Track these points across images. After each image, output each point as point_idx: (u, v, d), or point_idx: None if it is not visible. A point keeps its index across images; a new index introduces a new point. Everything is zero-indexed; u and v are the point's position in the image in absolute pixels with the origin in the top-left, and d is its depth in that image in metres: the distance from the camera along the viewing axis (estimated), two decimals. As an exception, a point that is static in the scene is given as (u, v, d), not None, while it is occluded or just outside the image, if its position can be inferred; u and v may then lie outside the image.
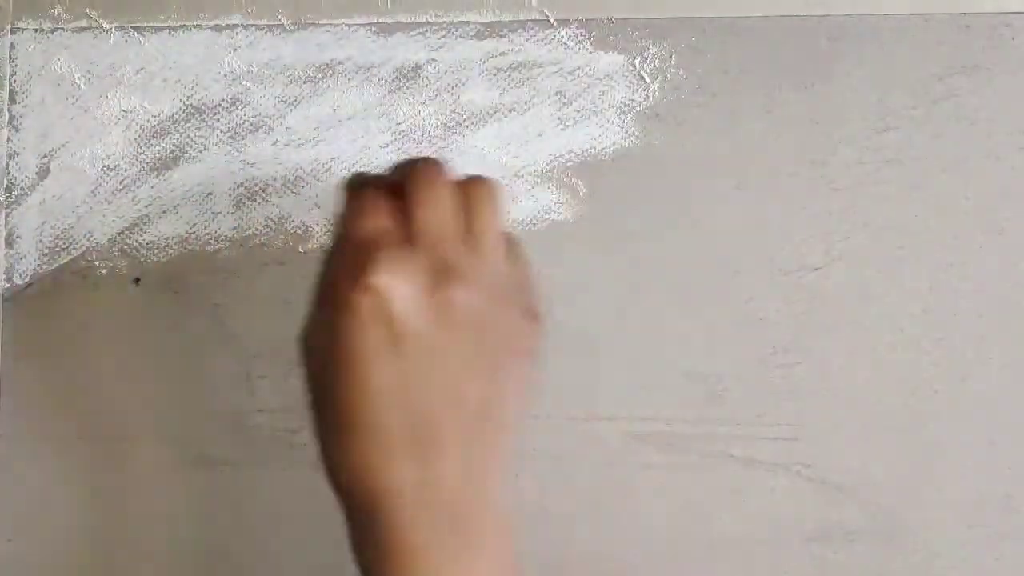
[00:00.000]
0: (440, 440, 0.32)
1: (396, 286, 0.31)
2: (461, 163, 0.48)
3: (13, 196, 0.49)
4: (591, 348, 0.47)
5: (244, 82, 0.49)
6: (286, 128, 0.48)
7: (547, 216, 0.47)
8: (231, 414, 0.48)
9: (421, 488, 0.32)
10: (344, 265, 0.33)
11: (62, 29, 0.49)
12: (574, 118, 0.47)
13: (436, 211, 0.33)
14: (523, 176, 0.47)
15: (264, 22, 0.49)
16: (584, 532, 0.46)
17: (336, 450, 0.33)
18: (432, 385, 0.32)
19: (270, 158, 0.48)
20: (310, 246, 0.48)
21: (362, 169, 0.36)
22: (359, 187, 0.35)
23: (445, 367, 0.32)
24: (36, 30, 0.49)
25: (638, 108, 0.47)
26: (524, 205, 0.47)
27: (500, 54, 0.48)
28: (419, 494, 0.32)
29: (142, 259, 0.48)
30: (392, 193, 0.34)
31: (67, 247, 0.49)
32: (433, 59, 0.48)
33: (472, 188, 0.35)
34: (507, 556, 0.34)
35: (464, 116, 0.48)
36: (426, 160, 0.35)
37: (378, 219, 0.33)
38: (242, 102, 0.49)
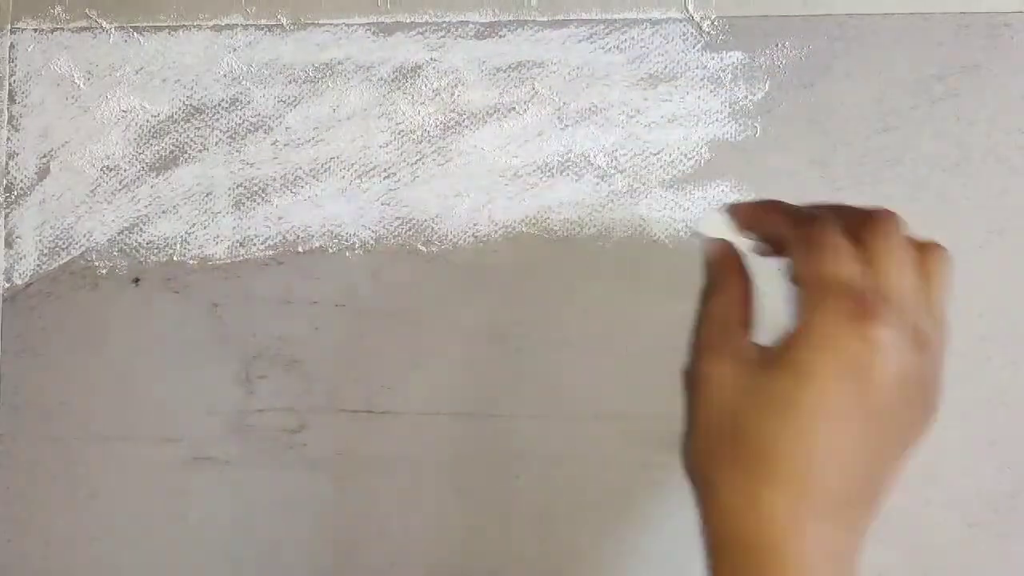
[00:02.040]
0: (863, 513, 0.31)
1: (893, 345, 0.30)
2: (461, 163, 0.48)
3: (13, 196, 0.49)
4: (591, 348, 0.47)
5: (244, 82, 0.49)
6: (286, 128, 0.48)
7: (551, 213, 0.47)
8: (231, 414, 0.48)
9: (837, 555, 0.30)
10: (831, 307, 0.30)
11: (62, 29, 0.49)
12: (574, 118, 0.47)
13: (909, 274, 0.32)
14: (522, 175, 0.47)
15: (264, 22, 0.49)
16: (584, 532, 0.46)
17: (743, 496, 0.31)
18: (878, 457, 0.31)
19: (270, 158, 0.48)
20: (310, 246, 0.48)
21: (770, 198, 0.34)
22: (804, 218, 0.33)
23: (895, 441, 0.31)
24: (36, 30, 0.49)
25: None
26: (529, 201, 0.47)
27: (500, 54, 0.48)
28: (834, 561, 0.30)
29: (142, 259, 0.48)
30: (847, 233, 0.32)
31: (67, 247, 0.49)
32: (433, 59, 0.48)
33: (931, 255, 0.33)
34: None
35: (464, 116, 0.48)
36: (892, 214, 0.33)
37: (853, 264, 0.31)
38: (242, 102, 0.49)
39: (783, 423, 0.30)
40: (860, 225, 0.32)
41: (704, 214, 0.37)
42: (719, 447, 0.32)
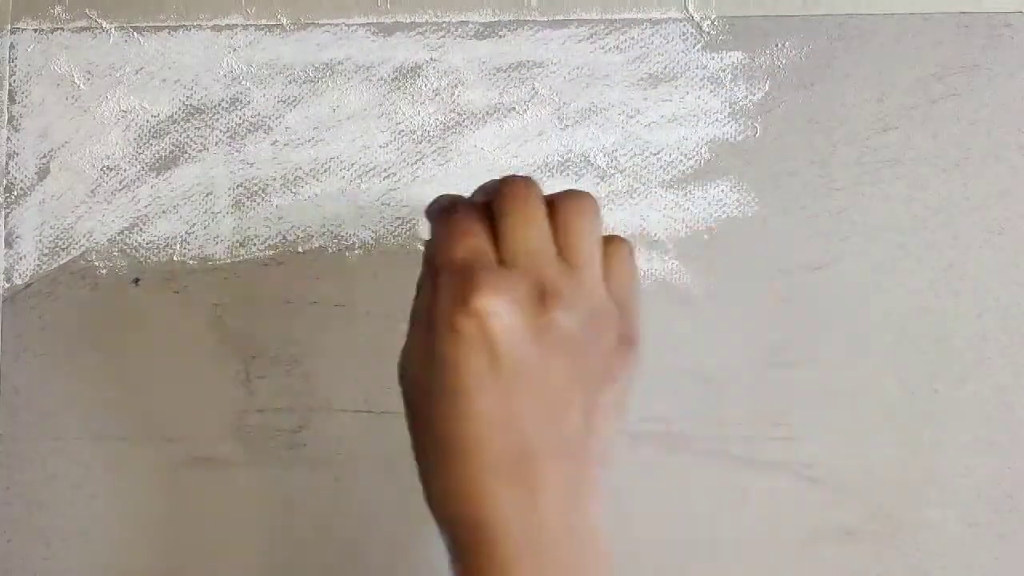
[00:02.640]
0: (542, 467, 0.32)
1: (499, 310, 0.31)
2: (461, 163, 0.48)
3: (13, 196, 0.49)
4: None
5: (243, 82, 0.49)
6: (285, 128, 0.48)
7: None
8: (231, 414, 0.48)
9: (524, 516, 0.31)
10: (443, 289, 0.32)
11: (62, 29, 0.49)
12: (574, 118, 0.47)
13: (530, 230, 0.32)
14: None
15: (264, 22, 0.49)
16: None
17: (438, 478, 0.33)
18: (533, 411, 0.31)
19: (270, 158, 0.48)
20: (310, 246, 0.48)
21: (447, 192, 0.35)
22: (447, 210, 0.34)
23: (545, 392, 0.32)
24: (36, 30, 0.49)
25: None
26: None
27: (500, 54, 0.48)
28: (522, 522, 0.31)
29: (142, 259, 0.48)
30: (483, 215, 0.33)
31: (67, 247, 0.49)
32: (433, 59, 0.48)
33: (566, 204, 0.33)
34: None
35: (464, 116, 0.48)
36: (516, 178, 0.34)
37: (473, 241, 0.32)
38: (241, 102, 0.49)
39: (442, 407, 0.32)
40: (491, 196, 0.33)
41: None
42: (419, 440, 0.33)
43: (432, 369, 0.32)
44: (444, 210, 0.34)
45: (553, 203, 0.33)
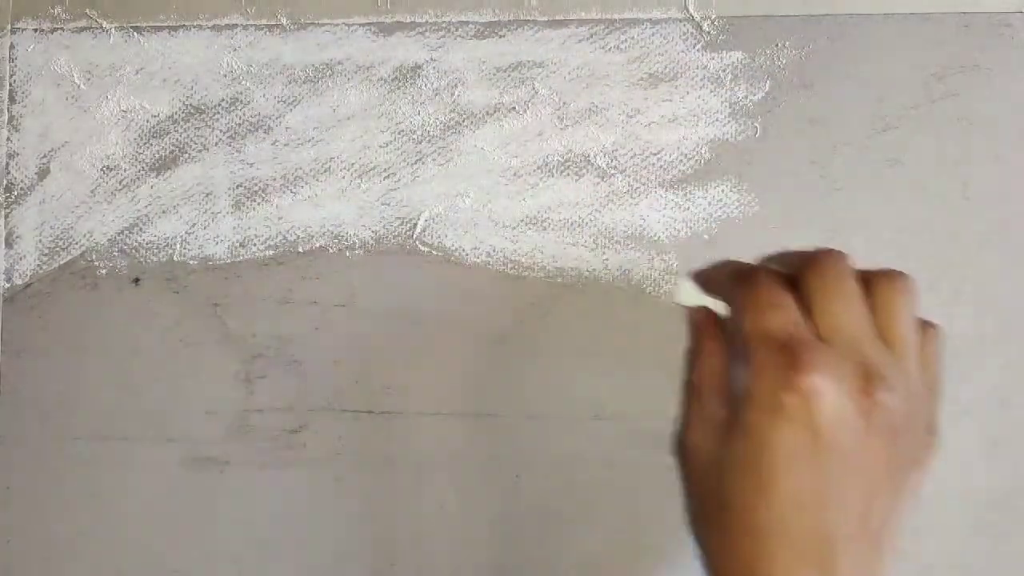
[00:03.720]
0: (843, 552, 0.31)
1: (827, 389, 0.30)
2: (462, 163, 0.48)
3: (13, 196, 0.49)
4: (591, 347, 0.47)
5: (244, 82, 0.49)
6: (286, 128, 0.48)
7: (551, 213, 0.47)
8: (231, 414, 0.48)
9: None
10: (763, 365, 0.31)
11: (62, 29, 0.49)
12: (574, 118, 0.47)
13: (852, 308, 0.31)
14: (522, 175, 0.47)
15: (264, 22, 0.49)
16: (584, 532, 0.46)
17: (729, 555, 0.31)
18: (844, 495, 0.31)
19: (270, 158, 0.48)
20: (310, 246, 0.48)
21: (731, 259, 0.34)
22: (748, 279, 0.32)
23: (859, 477, 0.31)
24: (36, 30, 0.49)
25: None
26: (529, 201, 0.47)
27: (500, 54, 0.48)
28: None
29: (142, 259, 0.48)
30: (788, 286, 0.32)
31: (67, 247, 0.49)
32: (433, 59, 0.48)
33: (886, 284, 0.32)
34: None
35: (464, 116, 0.48)
36: (830, 251, 0.32)
37: (789, 314, 0.31)
38: (242, 102, 0.49)
39: (745, 483, 0.31)
40: (800, 269, 0.32)
41: (678, 281, 0.37)
42: (704, 513, 0.33)
43: (737, 445, 0.31)
44: (742, 277, 0.32)
45: (870, 281, 0.32)
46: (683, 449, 0.33)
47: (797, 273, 0.32)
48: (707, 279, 0.35)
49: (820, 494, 0.30)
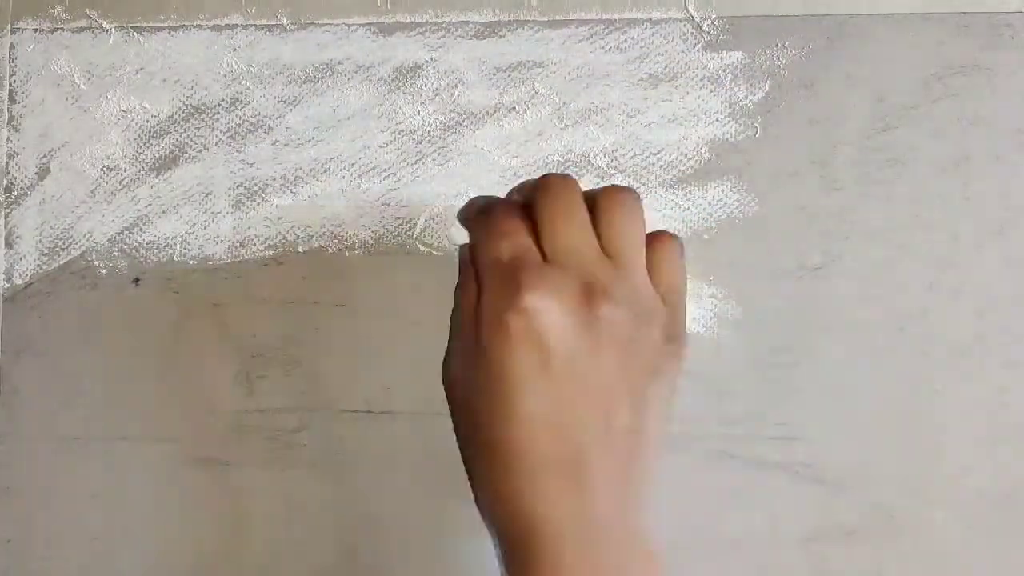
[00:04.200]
0: (593, 464, 0.31)
1: (548, 307, 0.31)
2: (462, 163, 0.48)
3: (13, 196, 0.49)
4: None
5: (244, 82, 0.49)
6: (286, 128, 0.48)
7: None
8: (231, 414, 0.48)
9: (575, 514, 0.31)
10: (489, 289, 0.32)
11: (62, 29, 0.49)
12: (574, 118, 0.47)
13: (572, 226, 0.32)
14: (522, 175, 0.47)
15: (264, 22, 0.49)
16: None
17: (488, 480, 0.32)
18: (583, 409, 0.31)
19: (270, 158, 0.48)
20: (310, 246, 0.48)
21: (479, 194, 0.35)
22: (484, 211, 0.34)
23: (595, 389, 0.32)
24: (36, 30, 0.49)
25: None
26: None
27: (500, 54, 0.48)
28: (573, 521, 0.31)
29: (142, 259, 0.48)
30: (522, 213, 0.33)
31: (67, 247, 0.49)
32: (433, 59, 0.48)
33: (609, 199, 0.33)
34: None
35: (464, 116, 0.48)
36: (555, 175, 0.34)
37: (516, 239, 0.32)
38: (242, 102, 0.49)
39: (489, 405, 0.32)
40: (531, 196, 0.33)
41: (455, 224, 0.38)
42: (465, 438, 0.33)
43: (479, 370, 0.32)
44: (482, 211, 0.34)
45: (595, 199, 0.33)
46: (447, 379, 0.34)
47: (530, 200, 0.33)
48: (463, 218, 0.35)
49: (558, 409, 0.31)
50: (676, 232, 0.47)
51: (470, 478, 0.33)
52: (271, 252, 0.48)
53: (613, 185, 0.34)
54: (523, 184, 0.35)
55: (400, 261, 0.48)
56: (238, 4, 0.49)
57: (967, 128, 0.46)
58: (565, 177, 0.34)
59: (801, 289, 0.46)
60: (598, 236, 0.33)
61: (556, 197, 0.33)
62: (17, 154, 0.49)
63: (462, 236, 0.35)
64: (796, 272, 0.46)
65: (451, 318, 0.34)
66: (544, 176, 0.34)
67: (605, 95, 0.47)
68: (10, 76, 0.49)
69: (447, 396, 0.34)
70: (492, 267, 0.32)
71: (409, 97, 0.48)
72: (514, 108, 0.48)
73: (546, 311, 0.31)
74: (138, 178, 0.49)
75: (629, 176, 0.47)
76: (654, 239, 0.34)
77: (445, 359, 0.34)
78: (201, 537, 0.48)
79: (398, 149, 0.48)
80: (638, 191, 0.34)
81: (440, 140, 0.48)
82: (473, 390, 0.32)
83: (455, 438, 0.34)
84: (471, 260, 0.33)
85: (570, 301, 0.31)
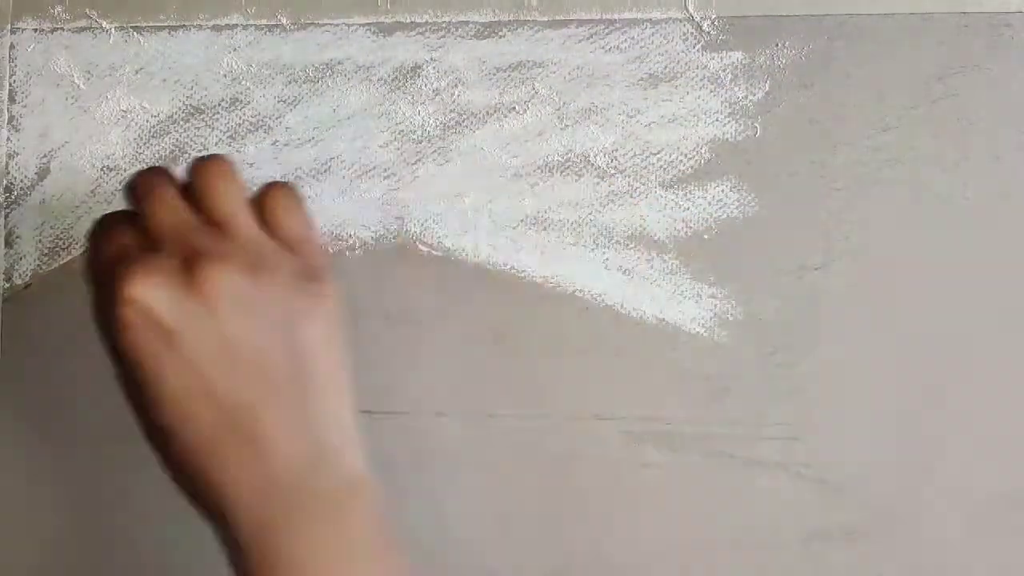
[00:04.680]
0: (262, 422, 0.32)
1: (149, 288, 0.31)
2: (461, 163, 0.48)
3: (13, 196, 0.49)
4: (591, 347, 0.47)
5: (244, 82, 0.49)
6: (286, 128, 0.48)
7: (551, 213, 0.47)
8: (231, 414, 0.47)
9: (259, 476, 0.32)
10: (98, 294, 0.33)
11: (62, 29, 0.49)
12: (574, 118, 0.47)
13: (163, 208, 0.34)
14: (522, 175, 0.47)
15: (264, 22, 0.49)
16: (584, 532, 0.46)
17: (173, 466, 0.34)
18: (229, 372, 0.32)
19: (270, 158, 0.48)
20: (310, 246, 0.48)
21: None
22: (93, 230, 0.35)
23: (235, 350, 0.32)
24: (36, 30, 0.49)
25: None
26: (529, 201, 0.47)
27: (500, 54, 0.48)
28: (259, 482, 0.32)
29: (142, 259, 0.48)
30: (127, 217, 0.35)
31: (67, 247, 0.49)
32: (433, 59, 0.48)
33: (195, 172, 0.35)
34: (364, 517, 0.34)
35: (464, 116, 0.48)
36: (146, 170, 0.36)
37: (115, 242, 0.34)
38: (242, 102, 0.49)
39: (138, 398, 0.33)
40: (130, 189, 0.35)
41: None
42: (143, 431, 0.35)
43: (121, 367, 0.33)
44: (91, 231, 0.35)
45: (190, 176, 0.35)
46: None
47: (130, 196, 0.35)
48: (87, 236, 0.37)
49: (202, 381, 0.32)
50: (677, 232, 0.47)
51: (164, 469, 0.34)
52: (271, 252, 0.48)
53: (203, 156, 0.35)
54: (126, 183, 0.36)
55: (400, 261, 0.48)
56: (238, 4, 0.49)
57: (967, 128, 0.46)
58: (152, 168, 0.35)
59: (801, 289, 0.46)
60: (198, 210, 0.34)
61: (145, 187, 0.34)
62: (17, 154, 0.49)
63: None
64: (796, 272, 0.46)
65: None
66: (134, 174, 0.36)
67: (605, 95, 0.47)
68: (10, 76, 0.49)
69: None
70: (97, 275, 0.34)
71: (409, 97, 0.48)
72: (514, 108, 0.48)
73: (149, 294, 0.31)
74: (138, 178, 0.49)
75: (629, 176, 0.47)
76: (263, 194, 0.35)
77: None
78: (201, 537, 0.48)
79: (398, 149, 0.48)
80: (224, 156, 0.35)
81: (440, 140, 0.48)
82: (125, 387, 0.34)
83: None
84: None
85: (171, 275, 0.32)
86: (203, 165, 0.35)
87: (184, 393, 0.32)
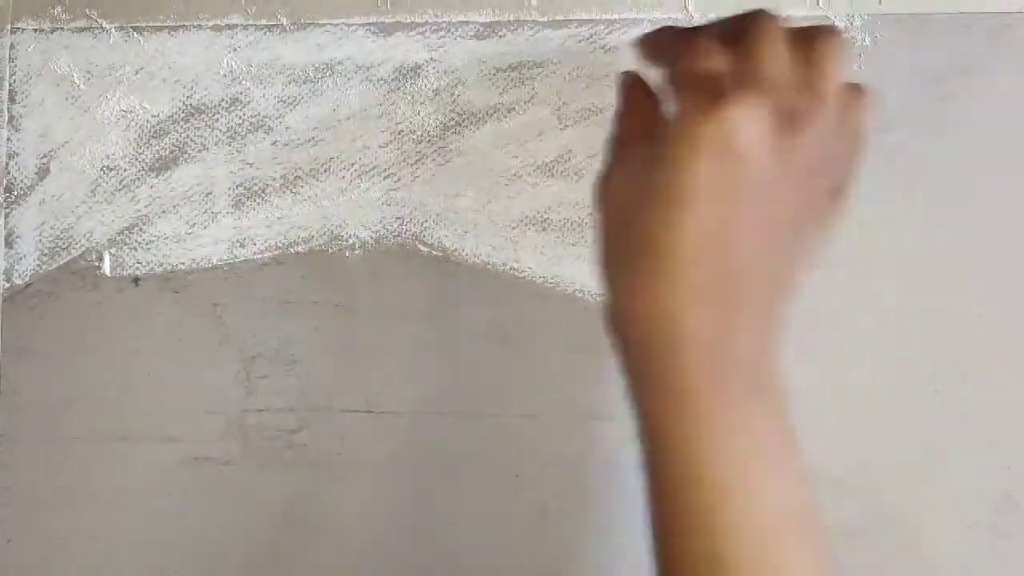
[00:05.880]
0: (744, 292, 0.31)
1: (748, 121, 0.30)
2: (461, 163, 0.48)
3: (13, 196, 0.49)
4: (591, 347, 0.47)
5: (243, 82, 0.49)
6: (286, 128, 0.48)
7: (551, 213, 0.47)
8: (231, 414, 0.48)
9: (718, 340, 0.31)
10: (687, 101, 0.31)
11: (62, 29, 0.49)
12: (574, 118, 0.47)
13: (777, 57, 0.32)
14: (522, 175, 0.47)
15: (264, 22, 0.49)
16: (584, 532, 0.46)
17: (633, 295, 0.32)
18: (750, 235, 0.31)
19: (270, 158, 0.48)
20: (310, 246, 0.48)
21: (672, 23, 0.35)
22: (685, 35, 0.33)
23: (765, 216, 0.31)
24: (36, 30, 0.49)
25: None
26: (528, 201, 0.47)
27: (500, 54, 0.48)
28: (715, 346, 0.31)
29: (142, 259, 0.48)
30: (724, 42, 0.32)
31: (67, 247, 0.49)
32: (433, 59, 0.48)
33: (816, 34, 0.32)
34: (784, 412, 0.33)
35: (463, 116, 0.48)
36: (761, 10, 0.33)
37: (720, 58, 0.31)
38: (241, 102, 0.49)
39: (657, 214, 0.31)
40: (735, 26, 0.33)
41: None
42: (615, 252, 0.33)
43: (655, 179, 0.31)
44: (684, 35, 0.33)
45: (804, 34, 0.33)
46: (603, 191, 0.34)
47: (732, 32, 0.33)
48: (651, 43, 0.35)
49: (726, 227, 0.31)
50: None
51: (609, 295, 0.33)
52: (271, 252, 0.48)
53: (824, 24, 0.33)
54: (723, 18, 0.34)
55: (400, 261, 0.48)
56: (238, 4, 0.49)
57: (967, 128, 0.46)
58: (770, 12, 0.33)
59: (801, 289, 0.46)
60: (801, 70, 0.32)
61: (760, 26, 0.32)
62: (17, 154, 0.49)
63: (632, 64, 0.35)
64: (796, 272, 0.46)
65: (608, 143, 0.34)
66: (749, 10, 0.33)
67: (605, 95, 0.47)
68: (10, 76, 0.49)
69: (598, 208, 0.33)
70: (692, 80, 0.31)
71: (409, 97, 0.48)
72: (514, 108, 0.48)
73: (742, 125, 0.30)
74: (138, 178, 0.49)
75: (629, 176, 0.47)
76: (848, 88, 0.33)
77: (600, 180, 0.34)
78: (201, 537, 0.48)
79: (398, 149, 0.48)
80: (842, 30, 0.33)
81: (440, 140, 0.48)
82: (639, 198, 0.31)
83: (597, 257, 0.33)
84: (668, 79, 0.33)
85: (767, 121, 0.30)
86: (826, 31, 0.33)
87: (701, 229, 0.30)
